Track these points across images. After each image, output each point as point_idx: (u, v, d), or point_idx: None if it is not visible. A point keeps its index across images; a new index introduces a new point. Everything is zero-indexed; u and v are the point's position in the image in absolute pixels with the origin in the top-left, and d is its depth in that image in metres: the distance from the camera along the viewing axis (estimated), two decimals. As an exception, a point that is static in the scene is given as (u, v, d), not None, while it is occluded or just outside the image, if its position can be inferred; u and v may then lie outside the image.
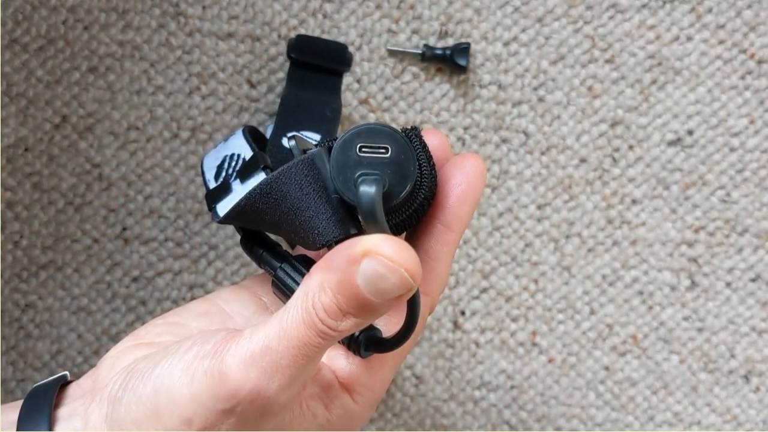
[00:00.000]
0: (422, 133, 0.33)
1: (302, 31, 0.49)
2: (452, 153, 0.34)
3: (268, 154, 0.37)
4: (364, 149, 0.30)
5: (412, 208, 0.32)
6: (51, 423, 0.30)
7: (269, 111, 0.49)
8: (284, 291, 0.33)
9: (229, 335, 0.29)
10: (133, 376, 0.29)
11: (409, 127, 0.33)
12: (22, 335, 0.49)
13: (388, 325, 0.33)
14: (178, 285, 0.50)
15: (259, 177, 0.34)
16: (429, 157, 0.32)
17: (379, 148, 0.30)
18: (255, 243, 0.35)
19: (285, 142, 0.43)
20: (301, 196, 0.31)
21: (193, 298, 0.50)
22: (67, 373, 0.33)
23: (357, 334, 0.31)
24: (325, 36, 0.49)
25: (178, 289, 0.50)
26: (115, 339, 0.50)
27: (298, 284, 0.33)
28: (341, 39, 0.49)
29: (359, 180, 0.29)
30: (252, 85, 0.49)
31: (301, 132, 0.44)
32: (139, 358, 0.31)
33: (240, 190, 0.34)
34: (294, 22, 0.49)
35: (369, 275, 0.27)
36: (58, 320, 0.49)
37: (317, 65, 0.46)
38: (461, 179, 0.33)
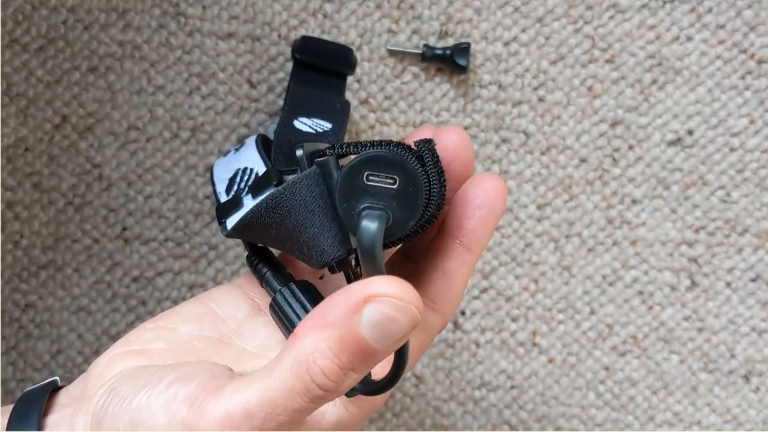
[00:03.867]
0: (442, 131, 0.32)
1: (302, 32, 0.49)
2: (472, 153, 0.33)
3: (278, 138, 0.37)
4: (371, 178, 0.29)
5: (414, 230, 0.31)
6: (40, 430, 0.30)
7: (269, 111, 0.49)
8: (280, 316, 0.33)
9: (211, 382, 0.28)
10: (115, 398, 0.29)
11: (423, 138, 0.32)
12: (22, 335, 0.49)
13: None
14: (178, 285, 0.50)
15: (270, 191, 0.34)
16: (440, 173, 0.31)
17: (387, 177, 0.29)
18: (260, 260, 0.34)
19: (297, 124, 0.43)
20: (306, 213, 0.30)
21: (193, 298, 0.50)
22: (57, 378, 0.33)
23: None
24: (325, 36, 0.49)
25: (178, 289, 0.50)
26: (115, 339, 0.49)
27: (294, 312, 0.32)
28: (341, 39, 0.49)
29: (363, 213, 0.28)
30: (252, 85, 0.49)
31: (312, 118, 0.43)
32: (125, 371, 0.30)
33: (251, 206, 0.34)
34: (294, 22, 0.49)
35: (376, 321, 0.25)
36: (58, 320, 0.49)
37: (322, 67, 0.46)
38: (483, 200, 0.32)
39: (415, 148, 0.31)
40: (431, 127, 0.34)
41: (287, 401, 0.26)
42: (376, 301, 0.25)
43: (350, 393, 0.30)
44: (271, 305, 0.33)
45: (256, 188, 0.34)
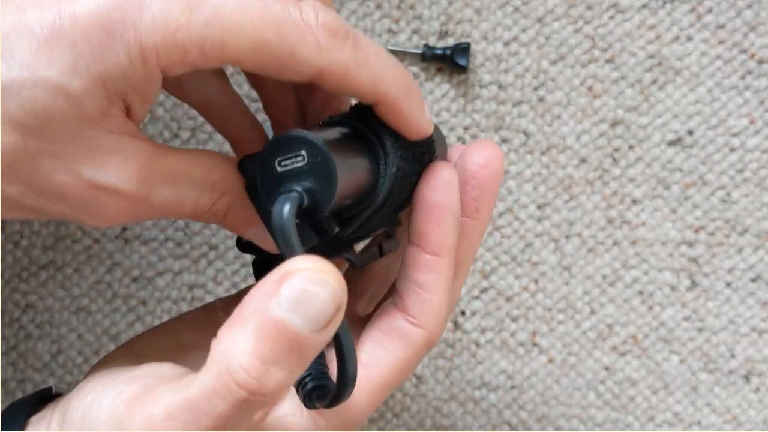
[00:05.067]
0: (472, 146, 0.31)
1: (302, 31, 0.49)
2: (502, 165, 0.32)
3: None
4: (283, 163, 0.27)
5: (382, 195, 0.30)
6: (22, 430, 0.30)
7: (269, 111, 0.49)
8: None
9: (154, 383, 0.27)
10: (77, 394, 0.29)
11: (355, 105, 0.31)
12: (22, 335, 0.49)
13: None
14: (178, 285, 0.50)
15: None
16: (396, 137, 0.30)
17: (295, 156, 0.27)
18: (267, 268, 0.34)
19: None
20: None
21: (193, 299, 0.50)
22: (51, 386, 0.33)
23: (306, 379, 0.28)
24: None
25: (178, 289, 0.50)
26: (115, 339, 0.50)
27: None
28: (341, 39, 0.49)
29: (275, 202, 0.26)
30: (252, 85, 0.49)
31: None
32: (98, 371, 0.31)
33: None
34: (294, 22, 0.49)
35: (293, 298, 0.23)
36: (58, 320, 0.49)
37: None
38: (440, 199, 0.30)
39: (351, 113, 0.31)
40: (461, 147, 0.33)
41: (208, 405, 0.24)
42: (290, 277, 0.23)
43: (310, 405, 0.29)
44: (254, 263, 0.33)
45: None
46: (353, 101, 0.32)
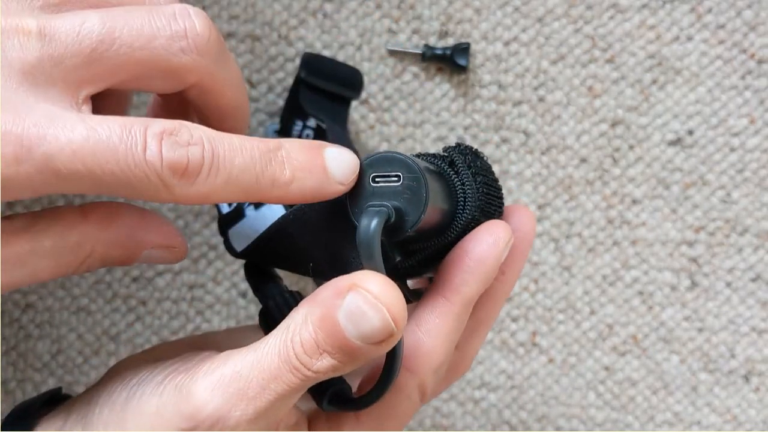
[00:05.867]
0: (509, 209, 0.32)
1: (302, 32, 0.49)
2: (534, 229, 0.32)
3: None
4: (377, 179, 0.28)
5: (451, 237, 0.30)
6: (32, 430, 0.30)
7: (269, 111, 0.49)
8: (270, 325, 0.32)
9: (210, 356, 0.28)
10: (112, 379, 0.29)
11: (455, 144, 0.31)
12: (22, 335, 0.50)
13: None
14: (178, 285, 0.50)
15: (275, 204, 0.33)
16: (477, 176, 0.31)
17: (391, 176, 0.28)
18: (259, 271, 0.34)
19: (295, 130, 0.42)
20: (329, 227, 0.30)
21: (193, 299, 0.50)
22: (60, 387, 0.33)
23: (326, 384, 0.29)
24: (325, 36, 0.49)
25: (178, 289, 0.50)
26: (115, 339, 0.50)
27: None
28: (341, 39, 0.49)
29: (363, 212, 0.28)
30: (252, 85, 0.49)
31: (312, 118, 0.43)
32: (116, 368, 0.30)
33: (253, 217, 0.33)
34: (294, 22, 0.49)
35: (351, 311, 0.25)
36: (58, 320, 0.49)
37: (328, 91, 0.45)
38: (472, 245, 0.30)
39: (446, 154, 0.31)
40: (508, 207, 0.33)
41: (270, 364, 0.26)
42: (355, 291, 0.26)
43: (327, 407, 0.30)
44: (261, 312, 0.33)
45: None
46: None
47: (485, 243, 0.30)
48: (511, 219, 0.32)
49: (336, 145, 0.28)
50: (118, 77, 0.28)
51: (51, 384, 0.50)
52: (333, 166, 0.28)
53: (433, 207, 0.29)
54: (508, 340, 0.51)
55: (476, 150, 0.32)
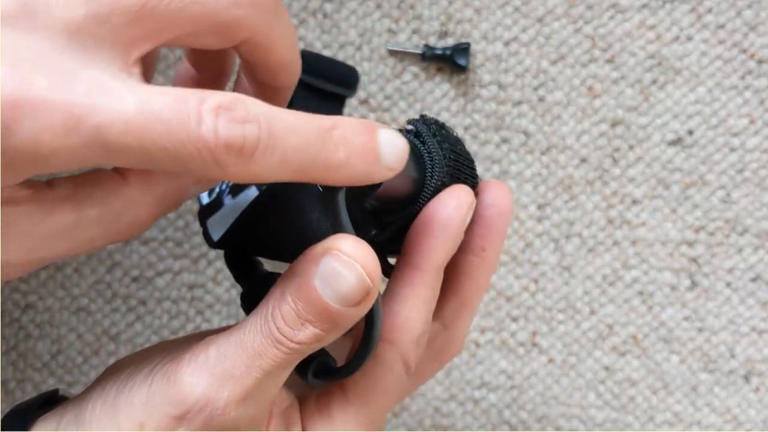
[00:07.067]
0: (481, 186, 0.32)
1: (302, 32, 0.49)
2: (511, 204, 0.32)
3: None
4: None
5: (422, 204, 0.30)
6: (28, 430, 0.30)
7: (269, 111, 0.49)
8: (251, 307, 0.32)
9: (194, 344, 0.28)
10: (105, 378, 0.29)
11: (419, 116, 0.31)
12: (22, 335, 0.50)
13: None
14: (178, 285, 0.50)
15: (250, 190, 0.33)
16: (442, 146, 0.31)
17: None
18: (239, 259, 0.33)
19: None
20: (298, 204, 0.29)
21: (193, 298, 0.50)
22: (57, 389, 0.33)
23: (310, 358, 0.29)
24: (325, 36, 0.49)
25: (178, 289, 0.50)
26: (115, 339, 0.50)
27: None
28: (341, 39, 0.49)
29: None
30: (252, 85, 0.49)
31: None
32: (109, 368, 0.30)
33: (230, 205, 0.33)
34: (294, 22, 0.49)
35: (326, 274, 0.26)
36: (58, 320, 0.50)
37: (323, 89, 0.45)
38: (435, 210, 0.30)
39: (411, 127, 0.31)
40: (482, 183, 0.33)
41: (254, 341, 0.26)
42: (329, 254, 0.26)
43: (312, 380, 0.29)
44: (242, 296, 0.32)
45: (235, 186, 0.33)
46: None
47: (448, 206, 0.30)
48: (485, 194, 0.32)
49: (389, 127, 0.27)
50: (168, 35, 0.26)
51: (51, 384, 0.50)
52: (386, 150, 0.27)
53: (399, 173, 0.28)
54: (508, 340, 0.51)
55: (441, 122, 0.32)
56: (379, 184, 0.27)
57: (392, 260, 0.32)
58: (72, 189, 0.26)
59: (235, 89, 0.33)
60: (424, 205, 0.30)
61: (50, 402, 0.32)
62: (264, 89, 0.31)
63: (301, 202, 0.29)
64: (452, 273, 0.32)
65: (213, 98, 0.24)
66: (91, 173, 0.27)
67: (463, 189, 0.30)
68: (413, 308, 0.30)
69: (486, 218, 0.32)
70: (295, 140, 0.25)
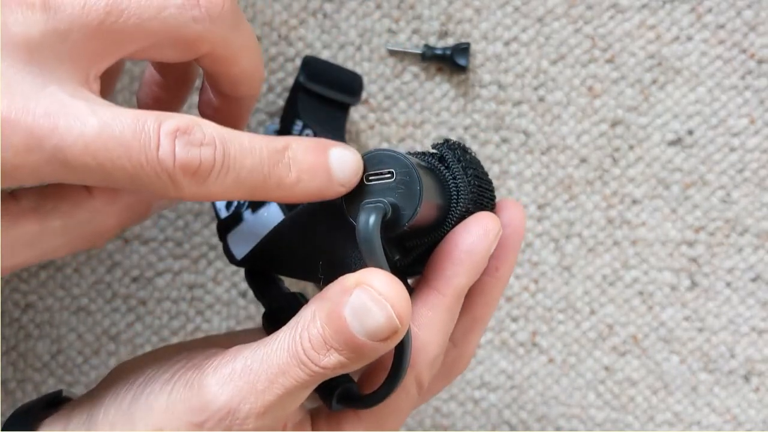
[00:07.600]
0: (499, 204, 0.32)
1: (302, 32, 0.49)
2: (523, 223, 0.32)
3: None
4: (371, 178, 0.29)
5: (447, 230, 0.30)
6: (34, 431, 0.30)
7: (269, 111, 0.49)
8: (275, 326, 0.32)
9: (218, 352, 0.28)
10: (115, 381, 0.29)
11: (443, 140, 0.32)
12: (22, 335, 0.50)
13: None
14: (178, 285, 0.50)
15: (271, 207, 0.33)
16: (468, 169, 0.31)
17: (384, 173, 0.29)
18: (259, 276, 0.34)
19: (295, 129, 0.42)
20: (328, 229, 0.30)
21: (193, 299, 0.50)
22: (61, 390, 0.33)
23: (334, 384, 0.29)
24: (325, 36, 0.49)
25: (178, 289, 0.50)
26: (115, 339, 0.50)
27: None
28: (341, 39, 0.49)
29: (360, 210, 0.28)
30: (252, 85, 0.49)
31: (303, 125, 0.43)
32: (118, 369, 0.30)
33: (251, 220, 0.33)
34: (294, 22, 0.49)
35: (356, 307, 0.26)
36: (58, 320, 0.50)
37: (327, 97, 0.45)
38: (462, 237, 0.30)
39: (435, 151, 0.31)
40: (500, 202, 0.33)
41: (279, 358, 0.26)
42: (360, 288, 0.26)
43: (335, 406, 0.30)
44: (265, 315, 0.33)
45: (255, 201, 0.33)
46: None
47: (475, 234, 0.30)
48: (502, 214, 0.32)
49: (341, 145, 0.28)
50: (128, 50, 0.27)
51: (51, 384, 0.50)
52: (337, 167, 0.28)
53: (428, 200, 0.29)
54: (508, 340, 0.51)
55: (464, 145, 0.32)
56: (414, 212, 0.28)
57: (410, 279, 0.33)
58: (36, 201, 0.27)
59: (200, 96, 0.33)
60: (448, 231, 0.31)
61: (54, 403, 0.32)
62: (228, 98, 0.31)
63: (335, 230, 0.30)
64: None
65: (171, 121, 0.25)
66: (56, 185, 0.27)
67: (491, 218, 0.31)
68: (432, 332, 0.30)
69: (502, 238, 0.31)
70: (249, 162, 0.26)
